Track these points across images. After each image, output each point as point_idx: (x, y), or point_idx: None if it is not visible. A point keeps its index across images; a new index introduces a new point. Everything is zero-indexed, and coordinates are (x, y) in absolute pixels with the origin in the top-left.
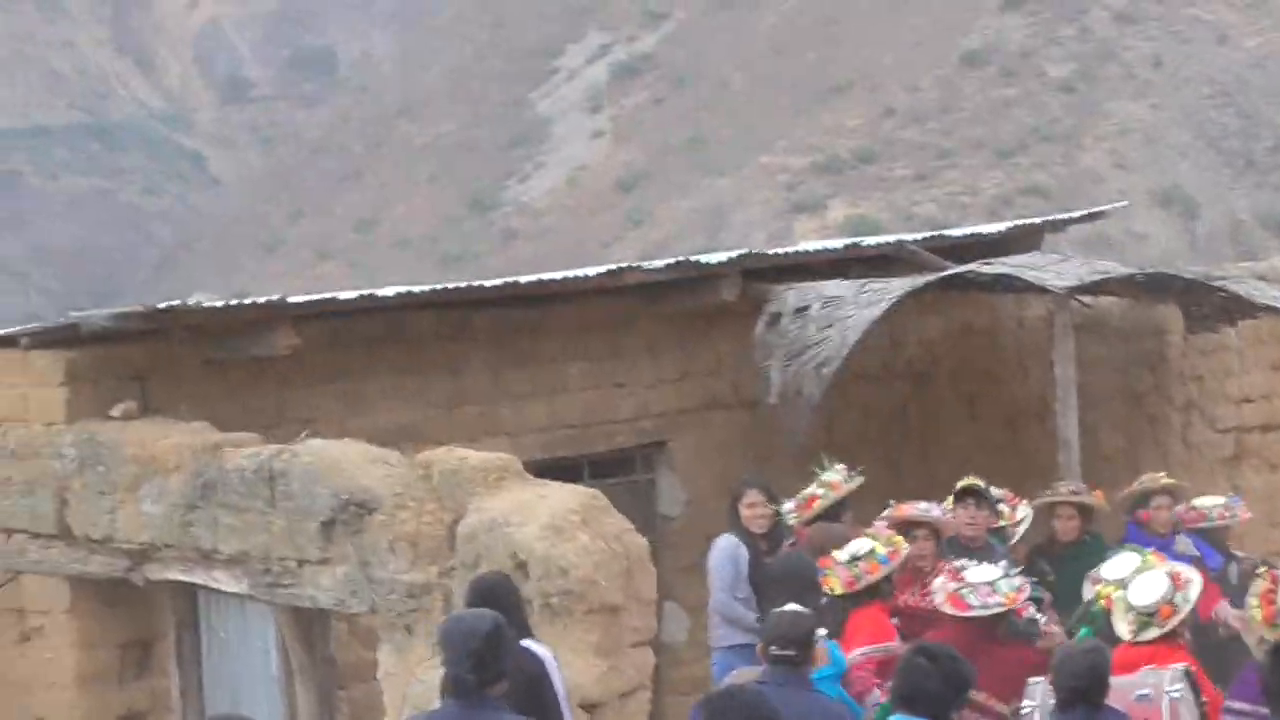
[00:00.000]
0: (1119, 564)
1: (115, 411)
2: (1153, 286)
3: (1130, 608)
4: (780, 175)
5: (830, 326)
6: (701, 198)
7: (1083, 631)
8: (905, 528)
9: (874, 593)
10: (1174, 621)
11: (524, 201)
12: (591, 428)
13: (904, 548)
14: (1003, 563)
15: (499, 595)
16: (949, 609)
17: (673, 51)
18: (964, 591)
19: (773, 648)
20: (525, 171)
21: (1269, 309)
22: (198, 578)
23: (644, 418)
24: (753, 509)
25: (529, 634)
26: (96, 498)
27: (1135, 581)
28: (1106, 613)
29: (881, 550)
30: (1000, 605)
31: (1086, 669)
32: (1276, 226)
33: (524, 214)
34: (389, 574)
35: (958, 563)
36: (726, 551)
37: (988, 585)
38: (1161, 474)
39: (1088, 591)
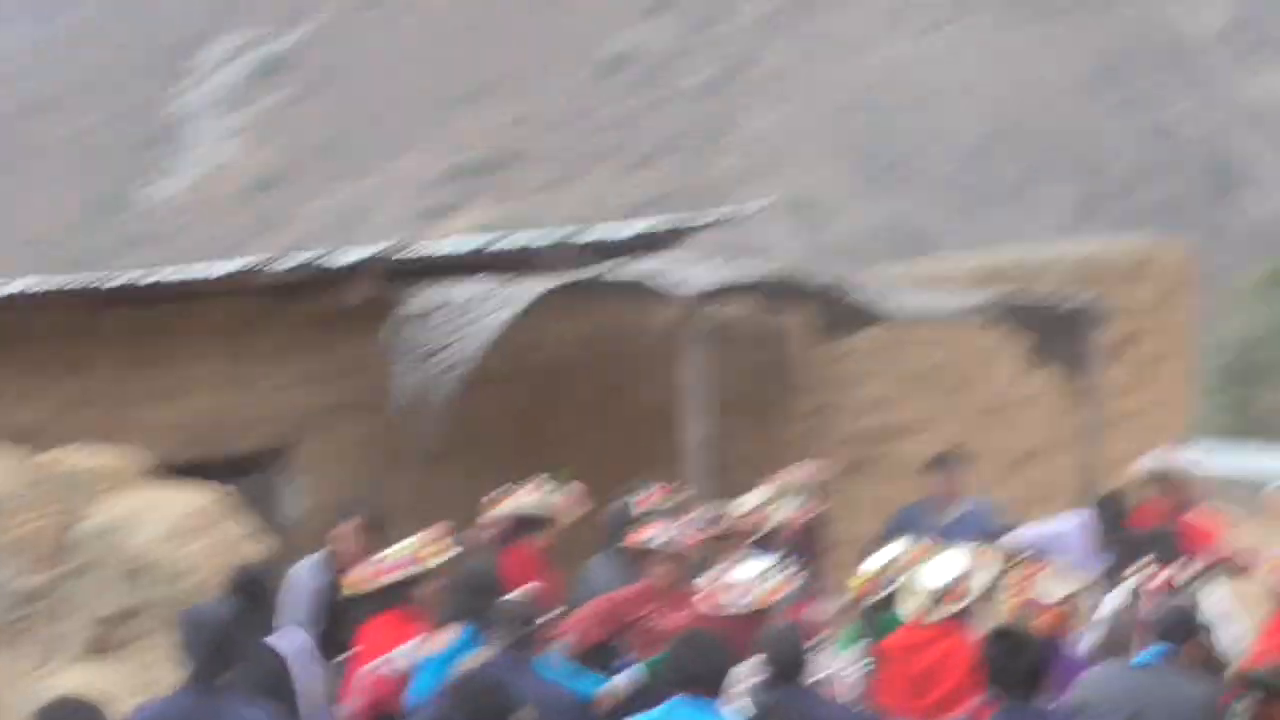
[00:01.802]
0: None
1: None
2: (780, 293)
3: (919, 588)
4: (415, 179)
5: (461, 329)
6: (338, 200)
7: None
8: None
9: (388, 597)
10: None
11: (157, 201)
12: (218, 430)
13: (436, 557)
14: (767, 556)
15: (259, 583)
16: (707, 608)
17: (312, 51)
18: (723, 590)
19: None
20: (159, 170)
21: (893, 315)
22: None
23: (271, 420)
24: (344, 540)
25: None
26: None
27: (929, 562)
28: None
29: (408, 551)
30: (755, 604)
31: (787, 646)
32: (904, 236)
33: (157, 214)
34: (1, 579)
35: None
36: (303, 582)
37: (747, 583)
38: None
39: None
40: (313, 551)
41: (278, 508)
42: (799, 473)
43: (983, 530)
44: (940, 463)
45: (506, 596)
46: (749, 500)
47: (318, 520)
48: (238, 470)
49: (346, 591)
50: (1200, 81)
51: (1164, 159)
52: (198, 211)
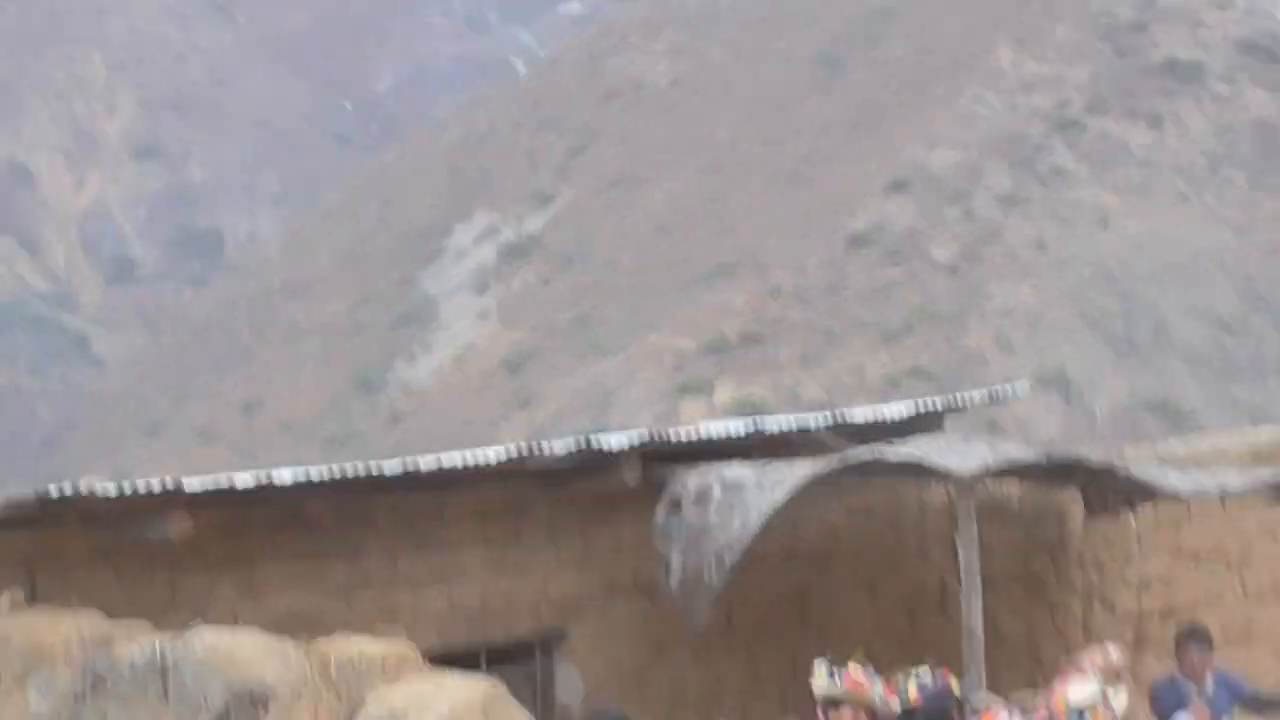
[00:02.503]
0: None
1: (0, 602)
2: (1054, 471)
3: None
4: (667, 356)
5: (732, 511)
6: (588, 378)
7: None
8: None
9: None
10: None
11: (410, 382)
12: (490, 615)
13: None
14: None
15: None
16: None
17: (560, 232)
18: None
19: None
20: (412, 352)
21: (1169, 493)
22: None
23: (543, 604)
24: None
25: None
26: None
27: None
28: None
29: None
30: None
31: None
32: (1158, 410)
33: (410, 395)
34: None
35: None
36: None
37: None
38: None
39: None
40: None
41: (551, 693)
42: (1108, 656)
43: (1238, 696)
44: (1191, 636)
45: None
46: (1083, 689)
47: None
48: (510, 656)
49: None
50: None
51: None
52: (451, 391)
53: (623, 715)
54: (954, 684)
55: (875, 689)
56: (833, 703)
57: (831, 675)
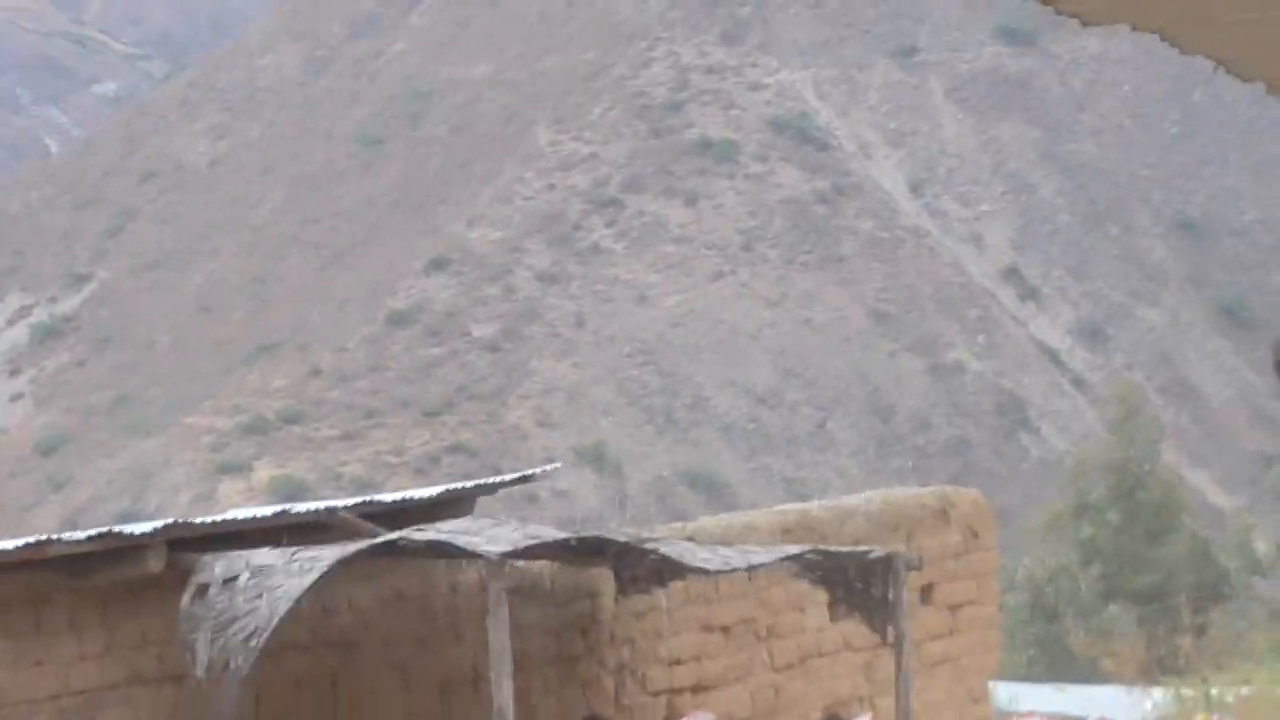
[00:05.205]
0: None
1: None
2: (584, 549)
3: None
4: (206, 436)
5: (259, 597)
6: (126, 460)
7: None
8: None
9: None
10: None
11: None
12: (9, 708)
13: None
14: None
15: None
16: None
17: (97, 312)
18: None
19: None
20: None
21: (698, 570)
22: None
23: (65, 696)
24: None
25: None
26: None
27: None
28: None
29: None
30: None
31: None
32: (696, 483)
33: None
34: None
35: None
36: None
37: None
38: None
39: None
40: None
41: None
42: None
43: None
44: None
45: None
46: None
47: None
48: None
49: None
50: (984, 323)
51: (951, 399)
52: None
53: None
54: None
55: None
56: None
57: None
